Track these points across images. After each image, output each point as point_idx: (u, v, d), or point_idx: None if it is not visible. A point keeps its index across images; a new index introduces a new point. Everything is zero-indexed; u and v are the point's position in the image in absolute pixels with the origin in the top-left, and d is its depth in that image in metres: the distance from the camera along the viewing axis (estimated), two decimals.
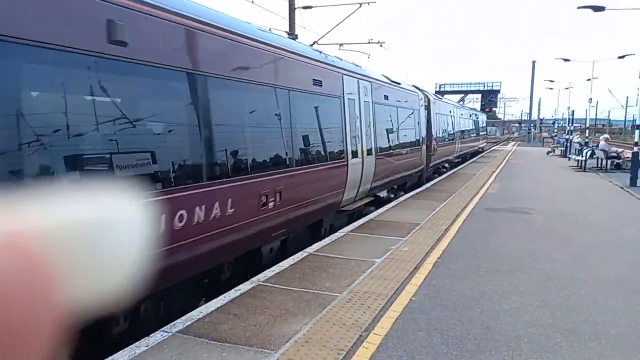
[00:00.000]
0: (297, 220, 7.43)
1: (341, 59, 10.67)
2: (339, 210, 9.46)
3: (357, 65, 11.38)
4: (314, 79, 8.09)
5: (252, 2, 15.87)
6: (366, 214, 10.10)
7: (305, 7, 18.48)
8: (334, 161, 8.70)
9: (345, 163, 9.16)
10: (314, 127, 8.12)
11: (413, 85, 16.98)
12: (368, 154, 10.48)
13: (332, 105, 8.95)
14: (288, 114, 7.09)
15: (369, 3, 17.73)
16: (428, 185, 15.51)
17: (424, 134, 16.47)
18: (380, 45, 21.28)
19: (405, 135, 14.04)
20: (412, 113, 15.19)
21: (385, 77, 13.37)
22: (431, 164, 18.01)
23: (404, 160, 13.60)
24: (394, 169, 12.67)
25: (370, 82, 11.20)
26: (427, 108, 17.52)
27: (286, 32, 13.50)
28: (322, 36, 18.42)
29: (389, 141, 12.37)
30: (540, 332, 4.47)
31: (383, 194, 12.38)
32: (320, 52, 9.89)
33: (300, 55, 7.78)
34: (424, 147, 16.41)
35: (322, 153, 8.34)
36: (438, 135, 19.21)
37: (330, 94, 8.87)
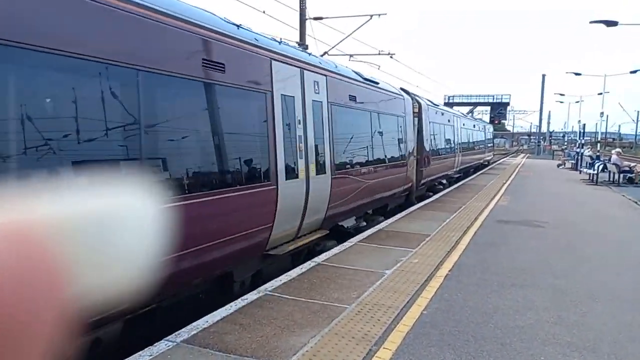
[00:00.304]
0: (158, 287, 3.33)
1: (280, 41, 7.55)
2: (265, 254, 6.78)
3: (309, 54, 8.75)
4: (205, 60, 5.35)
5: (264, 12, 15.97)
6: (321, 252, 7.76)
7: (316, 18, 18.55)
8: (246, 185, 5.94)
9: (274, 187, 6.51)
10: (199, 133, 5.45)
11: (401, 88, 14.76)
12: (319, 172, 7.90)
13: (246, 102, 6.28)
14: (135, 110, 4.37)
15: (379, 15, 17.75)
16: (437, 196, 15.32)
17: (413, 145, 14.11)
18: (391, 57, 21.26)
19: (384, 147, 11.46)
20: (397, 120, 12.75)
21: (356, 73, 10.75)
22: (423, 181, 15.56)
23: (381, 178, 10.97)
24: (365, 189, 9.95)
25: (324, 75, 8.36)
26: (418, 115, 15.18)
27: (297, 42, 13.50)
28: (333, 47, 18.50)
29: (356, 154, 9.81)
30: (558, 351, 4.30)
31: (349, 222, 9.69)
32: (238, 25, 6.40)
33: (169, 16, 4.82)
34: (412, 160, 13.98)
35: (218, 173, 5.56)
36: (432, 147, 17.01)
37: (243, 85, 6.09)
